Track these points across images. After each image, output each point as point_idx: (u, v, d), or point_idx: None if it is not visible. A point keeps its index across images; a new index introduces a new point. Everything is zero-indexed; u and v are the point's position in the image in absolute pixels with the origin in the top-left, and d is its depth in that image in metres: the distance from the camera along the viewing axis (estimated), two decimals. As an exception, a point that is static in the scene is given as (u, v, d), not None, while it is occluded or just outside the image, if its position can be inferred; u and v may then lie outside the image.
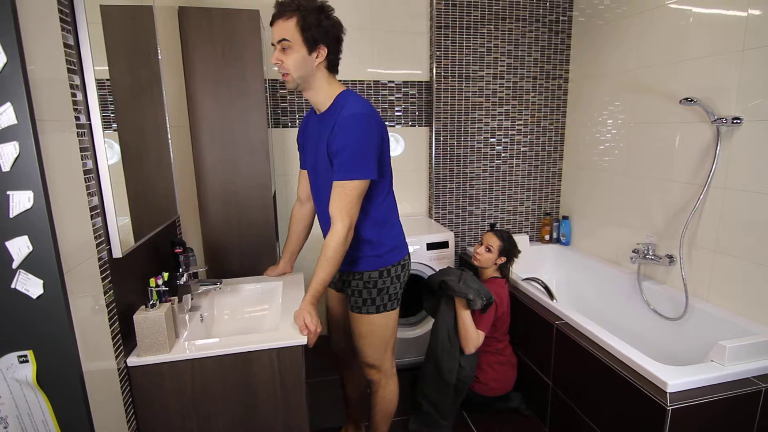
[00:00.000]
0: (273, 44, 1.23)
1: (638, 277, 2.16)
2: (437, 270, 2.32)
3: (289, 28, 1.18)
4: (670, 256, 2.03)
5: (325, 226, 1.41)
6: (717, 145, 1.77)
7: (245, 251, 1.99)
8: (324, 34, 1.21)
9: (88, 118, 1.01)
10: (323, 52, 1.23)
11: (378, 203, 1.38)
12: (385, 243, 1.43)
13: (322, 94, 1.30)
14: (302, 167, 1.57)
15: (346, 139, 1.21)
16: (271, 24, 1.22)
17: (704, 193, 1.83)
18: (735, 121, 1.71)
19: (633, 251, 2.17)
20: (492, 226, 2.15)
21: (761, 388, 1.36)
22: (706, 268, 1.88)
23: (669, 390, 1.33)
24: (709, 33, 1.81)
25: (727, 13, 1.73)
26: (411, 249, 2.28)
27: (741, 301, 1.74)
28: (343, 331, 1.67)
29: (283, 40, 1.20)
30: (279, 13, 1.19)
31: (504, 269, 2.09)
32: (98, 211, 1.02)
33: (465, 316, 1.85)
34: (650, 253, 2.11)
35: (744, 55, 1.68)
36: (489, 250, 2.04)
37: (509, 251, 2.05)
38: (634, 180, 2.27)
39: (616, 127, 2.37)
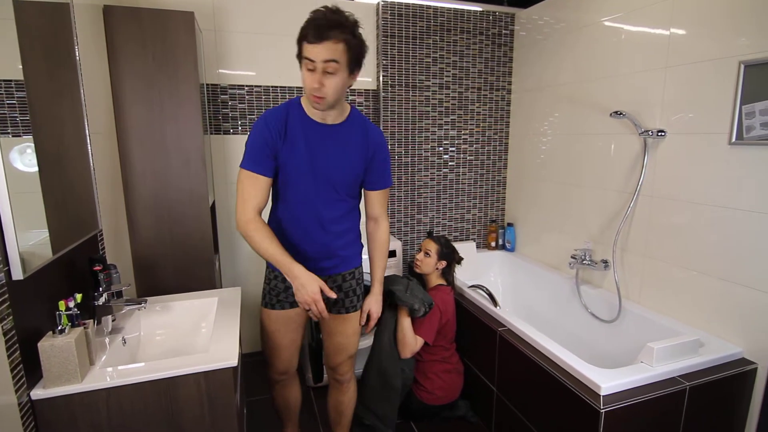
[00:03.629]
0: (309, 60, 1.18)
1: (577, 282, 2.24)
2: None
3: (338, 50, 1.17)
4: (605, 261, 2.12)
5: (311, 227, 1.42)
6: (644, 156, 1.87)
7: (179, 266, 1.88)
8: (362, 57, 1.25)
9: (-19, 126, 0.90)
10: (358, 74, 1.29)
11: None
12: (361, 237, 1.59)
13: (339, 109, 1.36)
14: (259, 174, 1.32)
15: (387, 155, 1.47)
16: (313, 42, 1.16)
17: (634, 201, 1.93)
18: (660, 134, 1.81)
19: (571, 257, 2.25)
20: (429, 233, 2.19)
21: (685, 386, 1.44)
22: (636, 272, 1.97)
23: (602, 393, 1.37)
24: (638, 50, 1.91)
25: (652, 32, 1.84)
26: (358, 259, 2.26)
27: (668, 303, 1.84)
28: (296, 349, 1.60)
29: (332, 61, 1.17)
30: (329, 35, 1.15)
31: (447, 276, 2.11)
32: (-7, 228, 0.91)
33: (405, 323, 1.90)
34: (587, 258, 2.20)
35: (666, 71, 1.79)
36: (428, 255, 2.07)
37: (448, 254, 2.08)
38: (572, 188, 2.36)
39: (555, 138, 2.46)
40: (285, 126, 1.31)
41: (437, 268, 2.07)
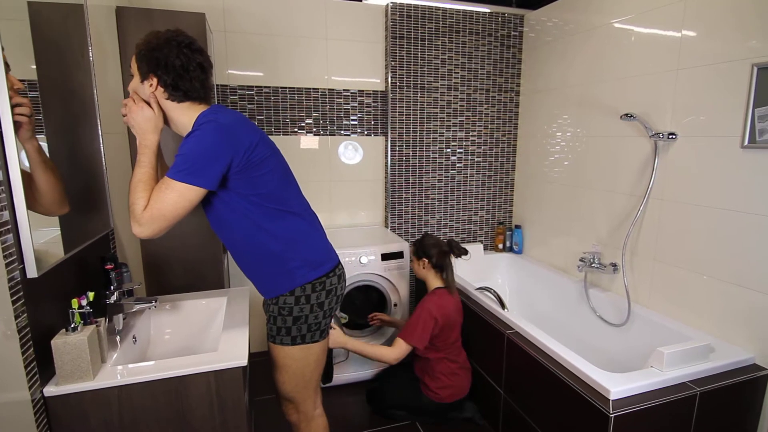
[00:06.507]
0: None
1: (585, 285, 2.22)
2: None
3: (133, 61, 1.20)
4: (614, 265, 2.10)
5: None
6: (655, 159, 1.86)
7: (188, 265, 1.89)
8: (155, 64, 1.15)
9: (-2, 125, 0.91)
10: (153, 81, 1.17)
11: (275, 218, 1.26)
12: (293, 258, 1.29)
13: (179, 123, 1.23)
14: None
15: (186, 142, 1.13)
16: None
17: (644, 204, 1.92)
18: (670, 136, 1.80)
19: (580, 260, 2.23)
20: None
21: (696, 391, 1.42)
22: (646, 275, 1.96)
23: (612, 397, 1.36)
24: (649, 52, 1.90)
25: (664, 34, 1.83)
26: (365, 259, 2.25)
27: (678, 307, 1.82)
28: None
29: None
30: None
31: (444, 275, 2.05)
32: (9, 227, 0.92)
33: (360, 349, 1.90)
34: (596, 261, 2.18)
35: (678, 74, 1.77)
36: (412, 260, 2.12)
37: (417, 251, 2.07)
38: (581, 190, 2.35)
39: (564, 140, 2.45)
40: None
41: (424, 269, 2.05)
